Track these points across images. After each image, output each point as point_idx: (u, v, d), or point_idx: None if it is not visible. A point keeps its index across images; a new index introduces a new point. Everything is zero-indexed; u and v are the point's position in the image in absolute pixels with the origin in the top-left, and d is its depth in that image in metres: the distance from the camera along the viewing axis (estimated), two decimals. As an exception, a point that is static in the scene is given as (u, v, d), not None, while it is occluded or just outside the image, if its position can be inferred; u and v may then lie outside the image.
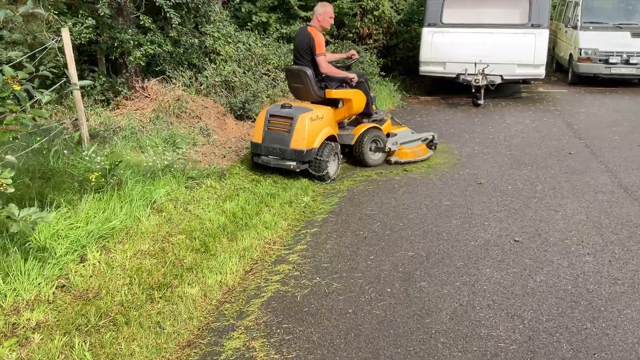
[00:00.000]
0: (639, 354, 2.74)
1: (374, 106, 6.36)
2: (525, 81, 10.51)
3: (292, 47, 10.08)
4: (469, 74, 9.48)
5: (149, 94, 7.05)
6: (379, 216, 4.67)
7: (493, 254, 3.90)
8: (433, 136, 6.58)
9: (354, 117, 6.39)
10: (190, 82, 7.74)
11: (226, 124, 7.38)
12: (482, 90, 9.60)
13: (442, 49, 10.17)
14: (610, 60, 10.74)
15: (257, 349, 2.85)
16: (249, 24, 9.76)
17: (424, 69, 10.51)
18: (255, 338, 2.95)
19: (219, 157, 6.11)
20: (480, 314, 3.12)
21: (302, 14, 10.25)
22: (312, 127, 5.33)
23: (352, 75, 5.86)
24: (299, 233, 4.33)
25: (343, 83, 5.91)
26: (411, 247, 4.03)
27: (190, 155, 5.92)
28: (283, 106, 5.58)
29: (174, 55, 7.65)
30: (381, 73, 10.92)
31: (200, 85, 7.76)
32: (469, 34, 9.96)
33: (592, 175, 5.64)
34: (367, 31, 11.55)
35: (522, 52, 9.64)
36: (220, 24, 8.61)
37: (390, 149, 6.11)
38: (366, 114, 6.18)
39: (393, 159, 6.13)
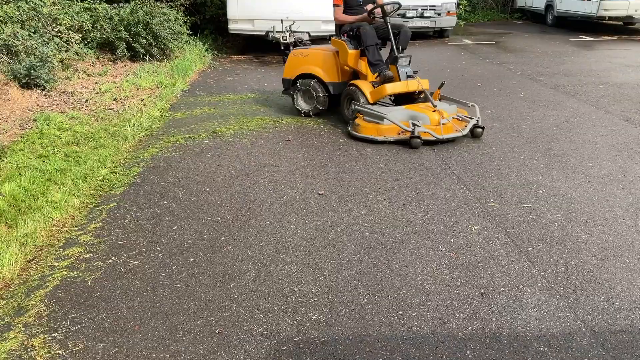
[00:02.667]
0: (427, 289, 2.92)
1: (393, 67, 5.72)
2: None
3: (85, 4, 9.13)
4: (277, 32, 9.44)
5: None
6: (185, 183, 4.45)
7: (298, 209, 3.92)
8: (477, 120, 5.49)
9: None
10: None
11: (9, 94, 6.50)
12: (292, 48, 9.65)
13: (249, 6, 9.99)
14: (407, 15, 11.42)
15: (38, 347, 2.53)
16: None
17: (233, 27, 10.27)
18: (35, 335, 2.62)
19: (-1, 133, 5.35)
20: (283, 272, 3.11)
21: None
22: (291, 60, 6.52)
23: (350, 19, 6.06)
24: (94, 210, 3.96)
25: (346, 32, 6.10)
26: (217, 212, 3.90)
27: (-39, 134, 5.10)
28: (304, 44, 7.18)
29: None
30: (189, 32, 10.43)
31: (-29, 52, 6.72)
32: (274, -10, 9.89)
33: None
34: (170, -12, 10.92)
35: (327, 9, 9.82)
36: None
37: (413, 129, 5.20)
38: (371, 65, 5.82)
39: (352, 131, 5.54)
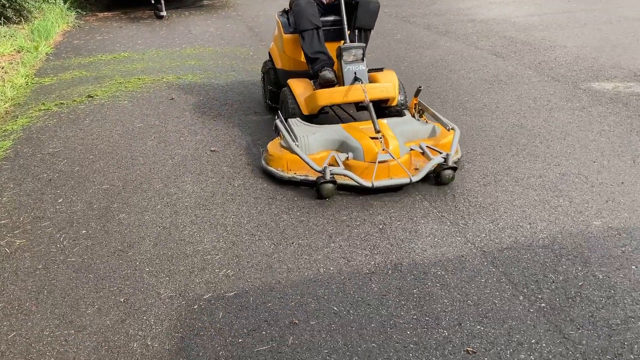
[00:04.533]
0: (330, 232, 3.00)
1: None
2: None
3: None
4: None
5: None
6: (65, 153, 4.17)
7: (192, 168, 3.83)
8: (446, 156, 3.39)
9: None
10: None
11: None
12: (162, 1, 9.18)
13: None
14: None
15: None
16: None
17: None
18: None
19: None
20: (184, 232, 3.05)
21: None
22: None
23: None
24: (-37, 192, 3.61)
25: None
26: (105, 180, 3.71)
27: None
28: None
29: None
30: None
31: None
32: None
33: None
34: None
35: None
36: None
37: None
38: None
39: (279, 171, 3.53)
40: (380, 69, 4.05)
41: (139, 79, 6.01)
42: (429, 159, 3.39)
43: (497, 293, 2.45)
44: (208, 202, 3.36)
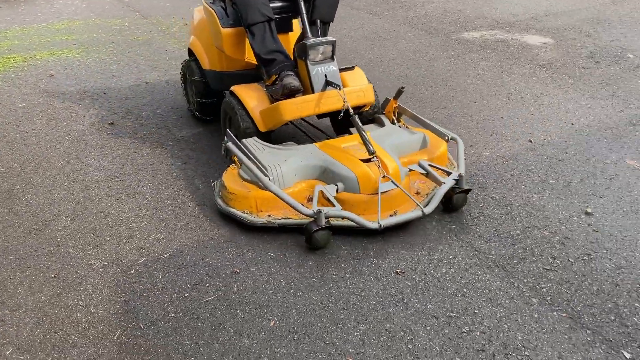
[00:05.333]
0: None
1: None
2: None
3: None
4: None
5: None
6: (-58, 140, 3.83)
7: (92, 142, 3.71)
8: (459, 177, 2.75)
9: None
10: None
11: None
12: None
13: None
14: None
15: None
16: None
17: None
18: None
19: None
20: (101, 205, 2.99)
21: None
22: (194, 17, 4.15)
23: None
24: None
25: None
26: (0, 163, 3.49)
27: None
28: None
29: None
30: None
31: None
32: None
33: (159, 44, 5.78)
34: None
35: None
36: None
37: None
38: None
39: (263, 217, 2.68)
40: (352, 68, 3.20)
41: (8, 57, 5.58)
42: (437, 182, 2.74)
43: (412, 222, 2.70)
44: (119, 174, 3.30)
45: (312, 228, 2.45)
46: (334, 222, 2.55)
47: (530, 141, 3.52)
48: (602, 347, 1.96)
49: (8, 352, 2.06)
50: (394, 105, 3.25)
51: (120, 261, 2.54)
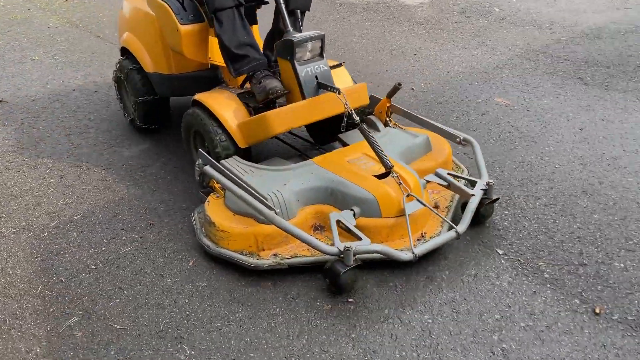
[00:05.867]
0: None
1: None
2: None
3: None
4: None
5: None
6: None
7: (-18, 121, 3.60)
8: (488, 186, 2.37)
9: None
10: None
11: None
12: None
13: None
14: None
15: None
16: None
17: None
18: None
19: None
20: (2, 178, 2.96)
21: None
22: (120, 13, 3.38)
23: None
24: None
25: None
26: None
27: None
28: None
29: None
30: None
31: None
32: None
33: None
34: None
35: None
36: None
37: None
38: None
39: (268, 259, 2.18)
40: (339, 65, 2.80)
41: None
42: (464, 194, 2.36)
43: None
44: (15, 148, 3.26)
45: (340, 270, 1.99)
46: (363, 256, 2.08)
47: (413, 89, 3.86)
48: (479, 247, 2.31)
49: None
50: (387, 105, 2.78)
51: (31, 226, 2.57)
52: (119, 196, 2.77)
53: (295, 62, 2.42)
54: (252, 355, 1.86)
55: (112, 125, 3.47)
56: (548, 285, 2.10)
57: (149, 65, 2.97)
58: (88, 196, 2.78)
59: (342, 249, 2.00)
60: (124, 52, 3.23)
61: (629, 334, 1.89)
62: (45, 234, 2.51)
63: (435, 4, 5.72)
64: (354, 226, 2.14)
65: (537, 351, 1.84)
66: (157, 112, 3.21)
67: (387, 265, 2.20)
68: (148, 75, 3.02)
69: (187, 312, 2.05)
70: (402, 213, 2.17)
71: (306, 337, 1.93)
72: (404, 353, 1.85)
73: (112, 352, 1.89)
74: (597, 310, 1.99)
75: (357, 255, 2.04)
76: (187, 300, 2.10)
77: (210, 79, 2.86)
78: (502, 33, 4.87)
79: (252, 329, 1.96)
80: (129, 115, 3.34)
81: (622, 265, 2.19)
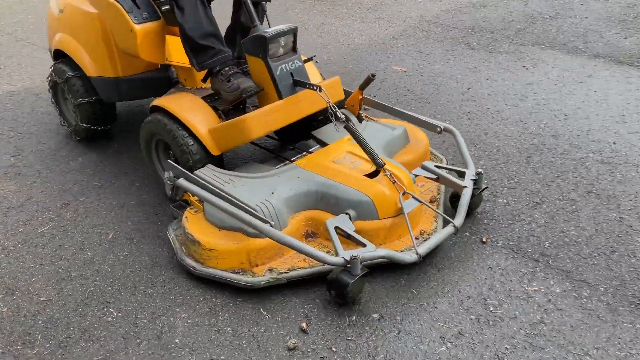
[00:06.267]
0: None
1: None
2: None
3: None
4: None
5: None
6: None
7: None
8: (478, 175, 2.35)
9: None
10: None
11: None
12: None
13: None
14: None
15: None
16: None
17: None
18: None
19: None
20: None
21: None
22: (49, 15, 3.02)
23: None
24: None
25: None
26: None
27: None
28: None
29: None
30: None
31: None
32: None
33: None
34: None
35: None
36: None
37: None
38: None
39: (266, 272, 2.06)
40: (310, 59, 2.69)
41: None
42: (456, 187, 2.32)
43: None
44: None
45: (348, 280, 1.89)
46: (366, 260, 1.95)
47: (317, 62, 4.02)
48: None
49: None
50: (359, 97, 2.67)
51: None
52: (30, 180, 2.78)
53: (268, 59, 2.25)
54: (177, 310, 1.98)
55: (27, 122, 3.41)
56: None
57: (90, 69, 2.72)
58: (-2, 183, 2.77)
59: (348, 259, 1.89)
60: (58, 54, 2.94)
61: (511, 256, 2.17)
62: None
63: (334, -18, 5.93)
64: (354, 231, 2.04)
65: (432, 279, 2.08)
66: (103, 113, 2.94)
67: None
68: (91, 80, 2.76)
69: (111, 280, 2.13)
70: (398, 212, 2.12)
71: (227, 291, 2.07)
72: (313, 291, 2.03)
73: (40, 322, 1.96)
74: (484, 239, 2.27)
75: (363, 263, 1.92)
76: (109, 270, 2.19)
77: (161, 80, 2.68)
78: (396, 7, 5.15)
79: (176, 288, 2.08)
80: (70, 125, 3.08)
81: (504, 201, 2.49)
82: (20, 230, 2.43)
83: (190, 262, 2.10)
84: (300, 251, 1.93)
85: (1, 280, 2.15)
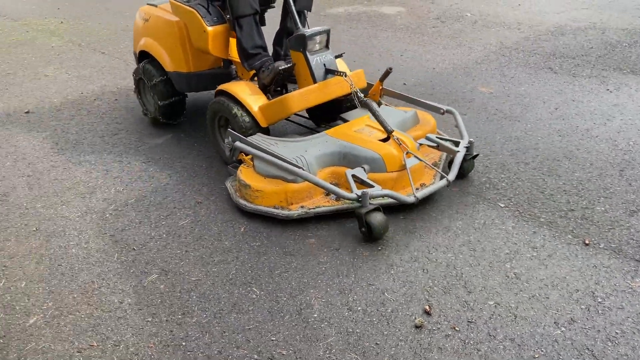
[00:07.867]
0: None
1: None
2: None
3: None
4: None
5: None
6: None
7: (15, 130, 3.91)
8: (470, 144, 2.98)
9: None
10: None
11: None
12: None
13: None
14: None
15: None
16: None
17: None
18: None
19: None
20: (52, 174, 3.28)
21: None
22: (136, 24, 3.84)
23: None
24: None
25: None
26: None
27: None
28: None
29: None
30: None
31: None
32: None
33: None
34: None
35: None
36: None
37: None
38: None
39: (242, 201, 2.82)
40: (340, 55, 3.25)
41: None
42: (450, 151, 2.90)
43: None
44: (55, 150, 3.58)
45: (362, 211, 2.49)
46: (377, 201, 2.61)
47: (405, 84, 4.32)
48: (485, 203, 2.75)
49: (23, 285, 2.39)
50: (380, 88, 3.34)
51: (92, 210, 2.91)
52: (164, 182, 3.14)
53: (307, 52, 2.93)
54: (311, 291, 2.25)
55: (140, 127, 3.82)
56: (545, 227, 2.56)
57: (168, 65, 3.47)
58: (136, 184, 3.13)
59: (359, 194, 2.53)
60: (142, 56, 3.71)
61: (614, 257, 2.34)
62: (107, 216, 2.86)
63: (412, 13, 6.25)
64: (367, 177, 2.67)
65: (542, 273, 2.28)
66: (177, 109, 3.73)
67: (410, 219, 2.66)
68: (168, 74, 3.50)
69: (250, 264, 2.43)
70: (403, 168, 2.72)
71: (353, 276, 2.33)
72: (435, 281, 2.26)
73: (194, 297, 2.26)
74: (587, 242, 2.45)
75: (372, 200, 2.56)
76: (246, 257, 2.48)
77: (223, 75, 3.36)
78: (476, 34, 5.40)
79: (307, 273, 2.36)
80: (151, 114, 3.81)
81: (602, 208, 2.67)
82: (163, 223, 2.77)
83: (242, 202, 2.78)
84: (323, 187, 2.62)
85: (155, 263, 2.48)
